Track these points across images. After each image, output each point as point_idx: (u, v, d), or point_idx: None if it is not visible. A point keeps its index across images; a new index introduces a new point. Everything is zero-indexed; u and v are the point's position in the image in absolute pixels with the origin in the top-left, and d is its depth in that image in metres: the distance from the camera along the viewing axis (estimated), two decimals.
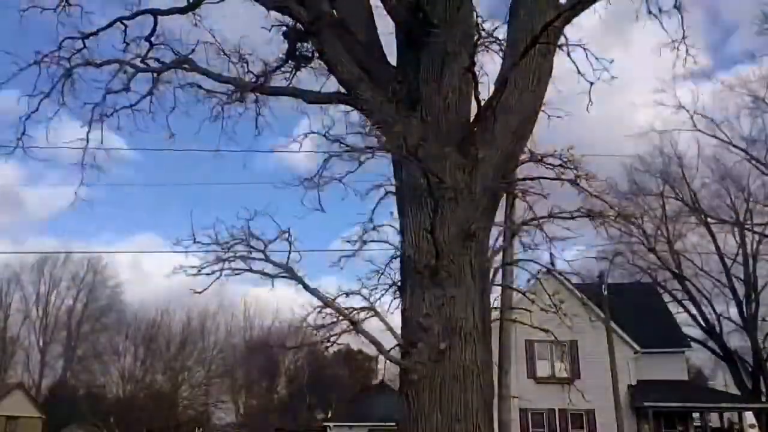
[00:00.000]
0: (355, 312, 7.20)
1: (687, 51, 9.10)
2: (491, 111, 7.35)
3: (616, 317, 28.88)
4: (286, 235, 7.35)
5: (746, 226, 37.68)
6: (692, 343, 37.15)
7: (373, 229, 7.49)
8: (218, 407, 65.79)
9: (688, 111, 35.60)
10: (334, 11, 8.24)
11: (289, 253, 7.28)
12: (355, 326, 7.00)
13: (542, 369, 31.22)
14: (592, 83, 8.49)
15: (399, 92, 7.75)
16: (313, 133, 7.66)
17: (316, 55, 8.45)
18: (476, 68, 7.23)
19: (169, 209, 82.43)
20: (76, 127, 8.90)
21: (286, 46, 8.82)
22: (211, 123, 9.02)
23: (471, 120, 7.57)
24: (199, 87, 8.79)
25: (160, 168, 78.03)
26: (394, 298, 7.79)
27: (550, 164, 8.19)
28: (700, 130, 36.21)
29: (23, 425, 49.52)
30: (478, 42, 7.40)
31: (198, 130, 9.21)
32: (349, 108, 8.24)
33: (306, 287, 7.18)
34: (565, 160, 7.93)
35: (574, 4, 7.49)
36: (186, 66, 8.64)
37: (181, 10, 9.13)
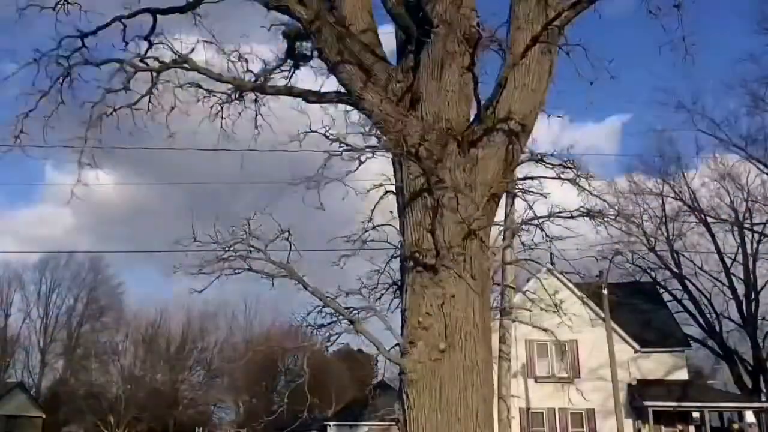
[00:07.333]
0: (354, 311, 7.21)
1: (687, 50, 9.06)
2: (491, 110, 7.34)
3: (616, 317, 28.90)
4: (286, 234, 7.36)
5: (746, 226, 37.75)
6: (692, 343, 37.18)
7: (373, 228, 7.48)
8: (218, 407, 65.87)
9: (688, 110, 35.64)
10: (333, 10, 8.22)
11: (289, 252, 7.29)
12: (355, 326, 7.00)
13: (542, 369, 31.25)
14: (591, 82, 8.44)
15: (399, 92, 7.74)
16: (313, 132, 7.64)
17: (316, 54, 8.44)
18: (476, 68, 7.21)
19: (169, 209, 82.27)
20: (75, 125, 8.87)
21: (285, 45, 8.80)
22: (210, 122, 9.01)
23: (471, 119, 7.56)
24: (199, 86, 8.78)
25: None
26: (394, 298, 7.79)
27: (550, 164, 8.17)
28: (699, 130, 36.28)
29: (23, 425, 49.57)
30: (478, 42, 7.38)
31: (197, 129, 9.20)
32: (349, 107, 8.22)
33: (306, 287, 7.18)
34: (565, 159, 7.92)
35: (574, 3, 7.46)
36: (185, 65, 8.63)
37: (181, 10, 9.12)
